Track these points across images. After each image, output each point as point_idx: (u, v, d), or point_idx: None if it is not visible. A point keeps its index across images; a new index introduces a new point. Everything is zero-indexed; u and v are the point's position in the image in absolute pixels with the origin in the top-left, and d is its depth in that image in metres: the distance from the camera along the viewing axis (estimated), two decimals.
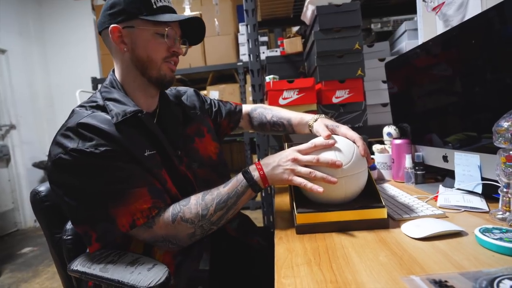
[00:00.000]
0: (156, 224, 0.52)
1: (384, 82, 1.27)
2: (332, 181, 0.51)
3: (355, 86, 1.22)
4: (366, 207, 0.54)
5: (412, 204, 0.64)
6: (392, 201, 0.68)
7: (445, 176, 0.83)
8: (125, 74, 0.60)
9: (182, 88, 0.79)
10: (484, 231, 0.47)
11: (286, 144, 0.72)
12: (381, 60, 1.27)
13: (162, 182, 0.55)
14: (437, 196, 0.68)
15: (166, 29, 0.58)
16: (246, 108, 0.87)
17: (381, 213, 0.54)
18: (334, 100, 1.24)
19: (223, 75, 2.88)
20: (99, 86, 2.27)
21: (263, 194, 1.35)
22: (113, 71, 0.63)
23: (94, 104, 0.57)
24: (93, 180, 0.50)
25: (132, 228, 0.51)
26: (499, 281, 0.34)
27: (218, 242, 0.68)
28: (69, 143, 0.50)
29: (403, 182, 0.88)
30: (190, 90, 0.80)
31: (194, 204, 0.53)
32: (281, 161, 0.53)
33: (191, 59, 2.65)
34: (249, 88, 2.59)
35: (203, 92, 2.73)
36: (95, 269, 0.48)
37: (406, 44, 1.27)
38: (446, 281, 0.35)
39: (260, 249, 0.71)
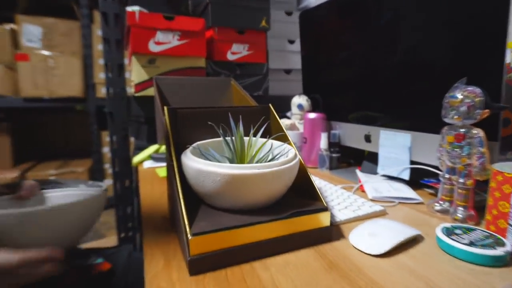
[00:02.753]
0: None
1: (290, 42, 1.21)
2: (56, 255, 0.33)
3: (257, 41, 1.09)
4: (303, 213, 0.41)
5: (342, 198, 0.58)
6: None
7: (360, 159, 0.84)
8: None
9: None
10: (448, 233, 0.41)
11: (166, 108, 0.50)
12: (289, 14, 1.19)
13: None
14: (362, 186, 0.66)
15: None
16: None
17: (323, 219, 0.43)
18: (230, 57, 1.08)
19: (53, 7, 2.14)
20: None
21: (117, 189, 1.04)
22: None
23: None
24: None
25: None
26: None
27: None
28: None
29: (316, 168, 0.83)
30: None
31: None
32: None
33: None
34: (98, 32, 2.03)
35: (10, 25, 1.95)
36: None
37: None
38: None
39: None
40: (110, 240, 1.66)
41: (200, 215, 0.40)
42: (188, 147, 0.47)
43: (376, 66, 0.70)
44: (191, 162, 0.41)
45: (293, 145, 0.51)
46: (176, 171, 0.41)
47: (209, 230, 0.36)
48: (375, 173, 0.72)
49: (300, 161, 0.49)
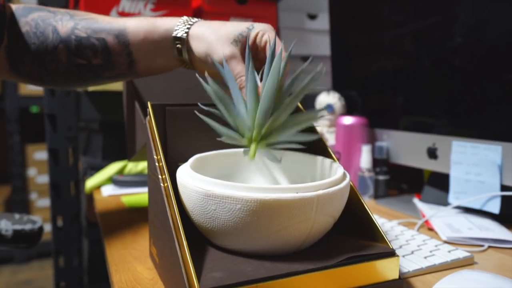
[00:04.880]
0: None
1: (311, 17, 1.26)
2: None
3: (265, 15, 1.17)
4: (360, 259, 0.42)
5: (404, 239, 0.59)
6: None
7: (416, 184, 0.87)
8: None
9: None
10: None
11: (150, 105, 0.52)
12: None
13: None
14: (428, 221, 0.68)
15: None
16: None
17: (390, 269, 0.43)
18: None
19: None
20: None
21: (58, 228, 1.02)
22: None
23: None
24: None
25: None
26: None
27: None
28: None
29: None
30: None
31: None
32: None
33: None
34: None
35: None
36: None
37: None
38: None
39: None
40: None
41: (210, 262, 0.40)
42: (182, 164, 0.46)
43: (443, 48, 0.72)
44: (195, 182, 0.40)
45: (335, 157, 0.52)
46: (172, 196, 0.41)
47: (228, 284, 0.35)
48: (443, 203, 0.74)
49: (354, 189, 0.49)
